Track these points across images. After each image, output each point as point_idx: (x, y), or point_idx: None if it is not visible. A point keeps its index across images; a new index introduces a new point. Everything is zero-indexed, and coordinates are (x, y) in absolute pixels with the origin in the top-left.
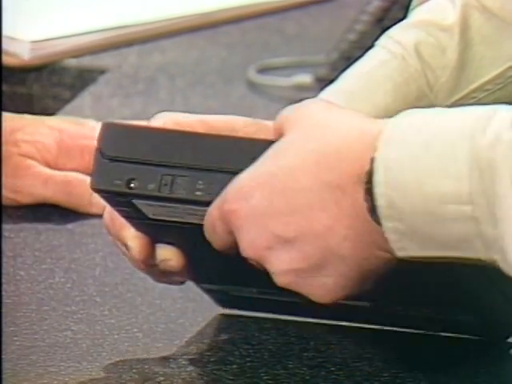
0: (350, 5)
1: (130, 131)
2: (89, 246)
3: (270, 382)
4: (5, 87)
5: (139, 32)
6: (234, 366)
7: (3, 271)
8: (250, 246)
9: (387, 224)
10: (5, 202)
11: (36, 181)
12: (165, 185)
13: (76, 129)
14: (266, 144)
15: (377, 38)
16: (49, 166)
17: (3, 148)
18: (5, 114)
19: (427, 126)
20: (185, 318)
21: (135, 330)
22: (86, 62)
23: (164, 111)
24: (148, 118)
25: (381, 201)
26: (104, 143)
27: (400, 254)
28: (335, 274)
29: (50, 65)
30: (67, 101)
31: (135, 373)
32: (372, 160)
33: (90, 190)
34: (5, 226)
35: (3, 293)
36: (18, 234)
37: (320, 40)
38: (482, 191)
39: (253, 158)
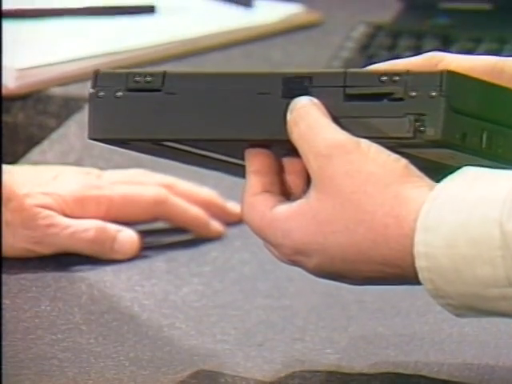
0: (335, 31)
1: (472, 83)
2: (75, 274)
3: None
4: None
5: (124, 60)
6: None
7: None
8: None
9: (438, 300)
10: (25, 254)
11: (58, 231)
12: (481, 140)
13: (85, 178)
14: None
15: (362, 65)
16: (66, 216)
17: (15, 203)
18: (4, 167)
19: (460, 207)
20: (171, 345)
21: (121, 357)
22: (72, 90)
23: None
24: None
25: (428, 285)
26: (451, 93)
27: (458, 316)
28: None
29: (35, 93)
30: (52, 129)
31: None
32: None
33: (113, 237)
34: None
35: None
36: (4, 263)
37: (305, 67)
38: None
39: None
